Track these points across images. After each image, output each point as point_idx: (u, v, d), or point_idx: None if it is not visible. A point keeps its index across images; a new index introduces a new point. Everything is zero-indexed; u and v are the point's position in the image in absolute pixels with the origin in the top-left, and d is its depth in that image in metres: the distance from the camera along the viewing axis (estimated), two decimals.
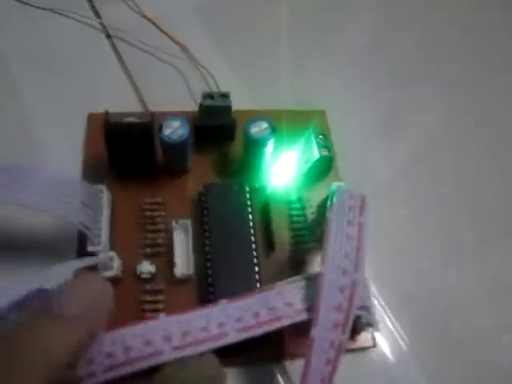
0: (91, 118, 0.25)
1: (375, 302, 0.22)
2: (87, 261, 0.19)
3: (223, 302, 0.18)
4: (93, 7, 0.29)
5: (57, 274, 0.17)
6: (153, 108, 0.26)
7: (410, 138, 0.28)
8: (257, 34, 0.30)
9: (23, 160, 0.23)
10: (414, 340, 0.22)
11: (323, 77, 0.29)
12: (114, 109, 0.21)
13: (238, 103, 0.24)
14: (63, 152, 0.24)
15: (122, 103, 0.25)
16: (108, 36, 0.29)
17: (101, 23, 0.29)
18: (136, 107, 0.26)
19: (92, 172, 0.23)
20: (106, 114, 0.21)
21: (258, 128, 0.22)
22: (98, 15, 0.29)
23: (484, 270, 0.24)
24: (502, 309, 0.23)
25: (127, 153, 0.21)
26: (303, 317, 0.18)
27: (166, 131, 0.21)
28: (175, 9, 0.30)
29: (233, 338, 0.17)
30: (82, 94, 0.26)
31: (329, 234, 0.18)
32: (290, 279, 0.19)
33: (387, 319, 0.22)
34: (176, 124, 0.21)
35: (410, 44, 0.31)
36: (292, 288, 0.18)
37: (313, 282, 0.18)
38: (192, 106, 0.26)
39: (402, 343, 0.22)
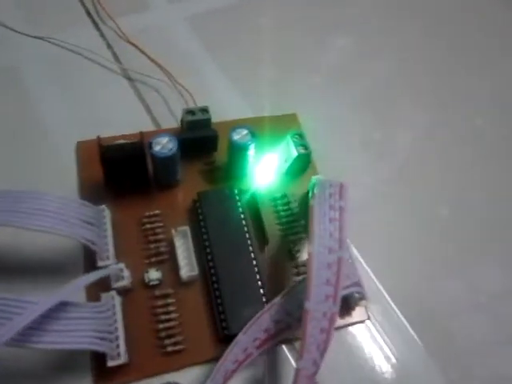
0: (80, 145, 0.26)
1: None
2: (100, 272, 0.20)
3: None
4: None
5: (74, 288, 0.19)
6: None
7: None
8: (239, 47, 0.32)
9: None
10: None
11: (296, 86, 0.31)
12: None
13: (215, 117, 0.26)
14: (59, 179, 0.25)
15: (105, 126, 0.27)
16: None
17: None
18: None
19: (90, 195, 0.24)
20: (99, 139, 0.22)
21: (240, 135, 0.24)
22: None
23: None
24: None
25: (122, 172, 0.23)
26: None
27: (156, 147, 0.23)
28: (155, 26, 0.33)
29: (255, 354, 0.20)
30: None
31: (313, 218, 0.21)
32: (284, 291, 0.21)
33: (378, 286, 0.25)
34: (164, 140, 0.23)
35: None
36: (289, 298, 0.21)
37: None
38: (172, 124, 0.28)
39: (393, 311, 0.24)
